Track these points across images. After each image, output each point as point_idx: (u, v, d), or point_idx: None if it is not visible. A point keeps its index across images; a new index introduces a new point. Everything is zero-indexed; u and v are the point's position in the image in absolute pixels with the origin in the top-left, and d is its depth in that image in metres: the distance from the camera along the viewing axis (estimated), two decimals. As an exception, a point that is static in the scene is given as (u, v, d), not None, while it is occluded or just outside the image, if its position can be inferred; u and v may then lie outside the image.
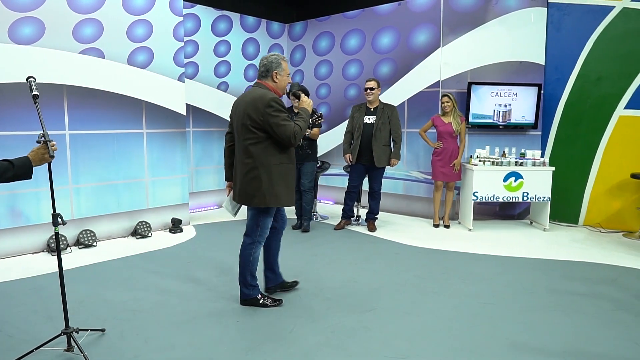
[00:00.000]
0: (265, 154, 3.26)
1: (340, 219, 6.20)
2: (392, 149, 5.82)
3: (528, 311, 3.49)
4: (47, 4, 4.83)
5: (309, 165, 5.90)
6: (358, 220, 6.44)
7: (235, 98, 7.45)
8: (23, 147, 4.06)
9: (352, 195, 6.09)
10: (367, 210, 6.18)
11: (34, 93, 2.58)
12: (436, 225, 6.26)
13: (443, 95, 6.01)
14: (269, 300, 3.57)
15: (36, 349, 2.75)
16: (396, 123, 5.80)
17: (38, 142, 2.42)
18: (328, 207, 7.55)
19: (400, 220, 6.67)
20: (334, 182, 7.86)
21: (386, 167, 5.88)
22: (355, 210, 6.52)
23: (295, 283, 3.93)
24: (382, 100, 6.04)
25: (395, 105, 6.95)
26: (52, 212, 2.61)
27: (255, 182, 3.27)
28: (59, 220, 2.58)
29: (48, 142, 2.38)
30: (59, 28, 4.94)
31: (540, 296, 3.78)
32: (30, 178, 2.46)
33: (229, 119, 3.59)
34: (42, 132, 2.42)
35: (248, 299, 3.54)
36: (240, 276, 3.52)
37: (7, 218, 4.75)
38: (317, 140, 6.40)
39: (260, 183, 3.26)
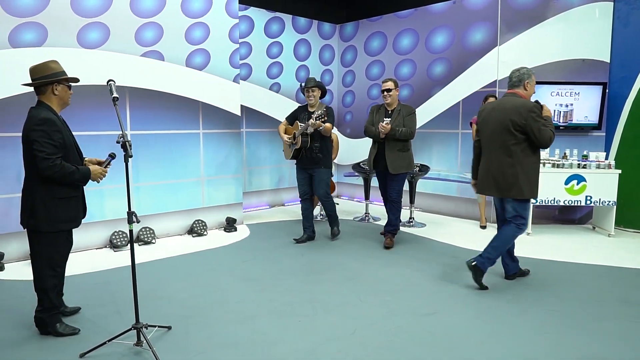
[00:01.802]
0: (524, 153, 3.82)
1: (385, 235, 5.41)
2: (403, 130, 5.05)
3: (598, 321, 3.33)
4: (112, 9, 5.01)
5: (321, 172, 5.31)
6: (411, 222, 6.35)
7: (287, 98, 7.65)
8: (91, 147, 4.23)
9: (389, 205, 5.35)
10: (385, 222, 5.46)
11: (114, 95, 2.67)
12: (483, 227, 6.14)
13: (490, 96, 5.84)
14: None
15: (108, 341, 2.85)
16: (410, 124, 5.10)
17: (117, 142, 2.51)
18: (380, 209, 7.48)
19: (455, 222, 6.54)
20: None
21: (405, 172, 5.20)
22: (410, 212, 6.45)
23: (528, 271, 4.33)
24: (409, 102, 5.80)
25: (450, 105, 6.87)
26: (127, 210, 2.69)
27: (513, 177, 3.85)
28: (134, 218, 2.66)
29: (127, 142, 2.47)
30: (122, 32, 5.12)
31: (611, 305, 3.61)
32: (85, 185, 3.07)
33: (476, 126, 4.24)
34: (120, 132, 2.51)
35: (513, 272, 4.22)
36: (499, 255, 4.04)
37: (74, 215, 4.96)
38: (333, 143, 5.91)
39: (517, 178, 3.84)
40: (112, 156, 3.10)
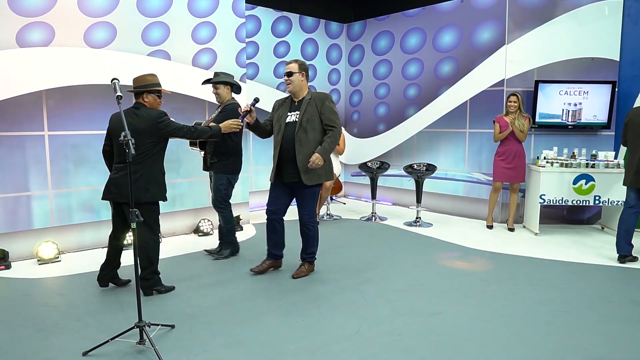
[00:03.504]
0: None
1: (265, 259, 4.39)
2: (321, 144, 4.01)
3: (608, 322, 3.28)
4: (119, 9, 5.03)
5: (215, 178, 4.66)
6: (418, 221, 6.32)
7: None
8: (96, 145, 4.25)
9: (272, 226, 4.23)
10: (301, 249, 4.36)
11: (117, 94, 2.68)
12: (489, 227, 6.09)
13: (512, 94, 5.78)
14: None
15: (111, 339, 2.85)
16: (328, 116, 4.00)
17: (120, 141, 2.52)
18: (386, 208, 7.47)
19: (462, 222, 6.49)
20: (392, 183, 7.77)
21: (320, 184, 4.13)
22: (417, 212, 6.41)
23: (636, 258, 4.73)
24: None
25: (457, 105, 6.82)
26: (130, 208, 2.69)
27: None
28: (136, 217, 2.66)
29: (130, 141, 2.47)
30: (129, 31, 5.13)
31: (621, 306, 3.55)
32: (220, 139, 4.19)
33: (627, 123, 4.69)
34: (124, 132, 2.52)
35: (625, 255, 4.65)
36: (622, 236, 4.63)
37: (80, 214, 4.98)
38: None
39: None
40: (256, 100, 3.96)
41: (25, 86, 4.59)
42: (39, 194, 4.74)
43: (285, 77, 4.05)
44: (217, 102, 4.85)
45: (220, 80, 4.69)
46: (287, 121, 4.07)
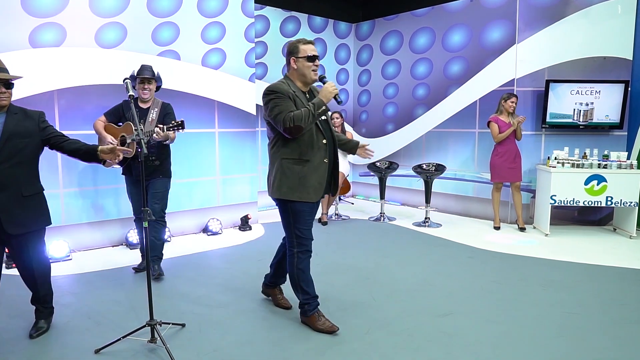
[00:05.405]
0: None
1: (277, 293, 3.64)
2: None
3: (619, 324, 3.25)
4: (130, 9, 5.05)
5: (159, 182, 4.15)
6: (427, 222, 6.29)
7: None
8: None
9: (308, 263, 3.27)
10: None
11: (130, 94, 2.69)
12: (497, 228, 6.04)
13: (513, 95, 5.75)
14: None
15: (122, 337, 2.87)
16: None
17: (133, 139, 2.53)
18: (395, 209, 7.45)
19: (471, 223, 6.46)
20: (401, 183, 7.75)
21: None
22: (425, 212, 6.38)
23: None
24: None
25: (466, 104, 6.80)
26: (142, 207, 2.70)
27: None
28: (148, 215, 2.68)
29: (142, 140, 2.48)
30: (139, 32, 5.16)
31: (633, 309, 3.52)
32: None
33: None
34: (136, 130, 2.53)
35: None
36: None
37: (90, 212, 5.02)
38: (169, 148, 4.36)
39: None
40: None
41: (37, 86, 4.62)
42: (50, 192, 4.76)
43: (317, 62, 3.03)
44: (145, 99, 4.15)
45: (153, 76, 4.14)
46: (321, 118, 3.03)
